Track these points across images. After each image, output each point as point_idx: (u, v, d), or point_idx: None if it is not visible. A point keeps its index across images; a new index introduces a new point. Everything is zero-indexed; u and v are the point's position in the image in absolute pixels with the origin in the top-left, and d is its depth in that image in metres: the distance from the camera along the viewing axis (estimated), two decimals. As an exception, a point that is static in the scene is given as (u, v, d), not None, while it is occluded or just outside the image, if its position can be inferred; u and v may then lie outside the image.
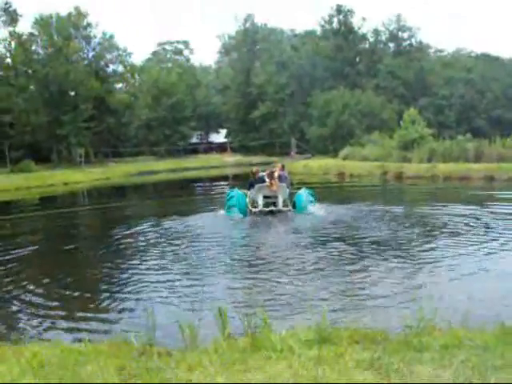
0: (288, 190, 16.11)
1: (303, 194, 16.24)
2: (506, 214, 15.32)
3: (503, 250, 10.28)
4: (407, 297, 7.32)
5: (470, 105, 72.70)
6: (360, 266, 9.37)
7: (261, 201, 15.74)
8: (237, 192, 15.88)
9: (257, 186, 15.76)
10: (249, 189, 16.02)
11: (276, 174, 16.09)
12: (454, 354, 4.09)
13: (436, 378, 3.64)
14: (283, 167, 17.02)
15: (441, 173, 28.50)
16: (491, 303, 6.87)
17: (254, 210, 15.62)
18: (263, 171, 16.89)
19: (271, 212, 15.59)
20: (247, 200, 15.82)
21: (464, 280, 8.21)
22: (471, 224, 13.58)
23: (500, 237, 11.58)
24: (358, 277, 8.59)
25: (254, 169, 16.99)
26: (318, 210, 15.79)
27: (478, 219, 14.42)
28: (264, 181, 15.92)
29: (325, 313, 4.85)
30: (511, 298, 7.10)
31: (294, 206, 15.96)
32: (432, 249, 10.91)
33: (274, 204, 15.84)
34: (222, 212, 16.11)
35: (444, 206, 17.63)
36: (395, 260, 9.77)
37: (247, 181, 16.50)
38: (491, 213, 15.52)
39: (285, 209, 15.79)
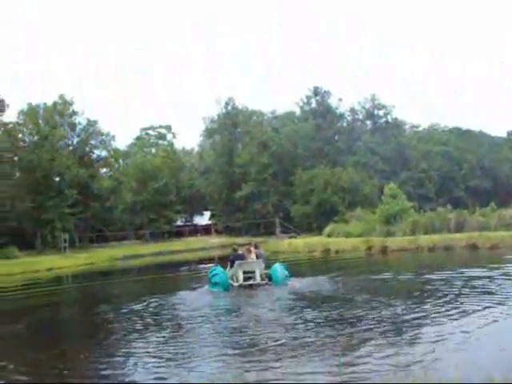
0: (263, 265, 17.61)
1: (277, 267, 17.65)
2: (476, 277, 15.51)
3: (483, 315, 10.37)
4: (395, 364, 7.32)
5: (448, 176, 74.69)
6: (349, 341, 9.34)
7: (241, 276, 17.14)
8: (219, 269, 17.28)
9: (237, 262, 17.36)
10: (230, 265, 17.57)
11: (252, 249, 18.11)
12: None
13: None
14: (256, 246, 19.05)
15: (425, 244, 28.82)
16: (483, 367, 6.90)
17: (235, 284, 16.99)
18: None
19: (250, 286, 16.88)
20: (229, 275, 17.20)
21: (454, 347, 8.24)
22: (454, 291, 13.73)
23: (479, 302, 11.70)
24: (348, 353, 8.54)
25: (235, 247, 19.35)
26: (293, 282, 17.25)
27: (459, 286, 14.65)
28: (243, 257, 17.70)
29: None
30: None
31: (270, 279, 17.26)
32: (416, 319, 10.95)
33: (253, 278, 17.17)
34: (206, 288, 17.23)
35: (426, 272, 17.93)
36: (378, 329, 9.78)
37: (228, 258, 18.11)
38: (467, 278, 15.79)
39: (262, 282, 17.09)
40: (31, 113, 58.12)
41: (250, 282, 17.06)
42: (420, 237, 30.27)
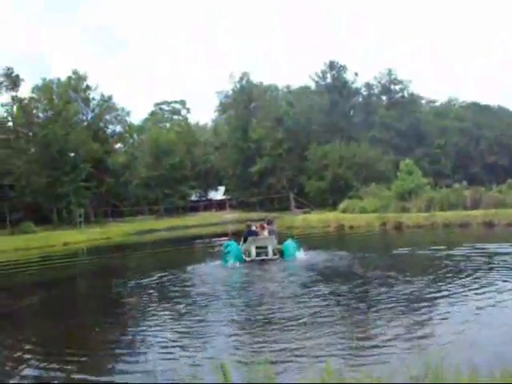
0: (276, 241, 18.24)
1: (289, 243, 18.26)
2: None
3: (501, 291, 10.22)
4: (411, 345, 7.24)
5: (464, 153, 73.68)
6: (360, 316, 9.32)
7: (254, 251, 17.81)
8: (233, 244, 17.85)
9: (250, 238, 18.09)
10: (243, 241, 18.32)
11: (265, 225, 18.82)
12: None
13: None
14: (270, 222, 19.88)
15: (440, 221, 28.52)
16: (496, 347, 6.80)
17: (247, 258, 17.67)
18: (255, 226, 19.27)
19: (263, 260, 17.48)
20: (242, 250, 17.87)
21: (469, 326, 8.12)
22: (473, 267, 13.59)
23: (498, 278, 11.56)
24: (359, 327, 8.51)
25: (248, 223, 19.82)
26: (305, 257, 17.68)
27: (479, 262, 14.50)
28: (256, 233, 18.39)
29: (328, 367, 4.79)
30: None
31: (281, 255, 17.84)
32: (431, 294, 10.86)
33: (265, 253, 17.78)
34: (220, 262, 17.64)
35: (444, 249, 17.78)
36: (394, 308, 9.70)
37: (242, 234, 18.92)
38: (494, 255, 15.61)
39: (274, 257, 17.74)
40: (45, 88, 58.19)
41: (263, 257, 17.65)
42: (435, 213, 29.95)
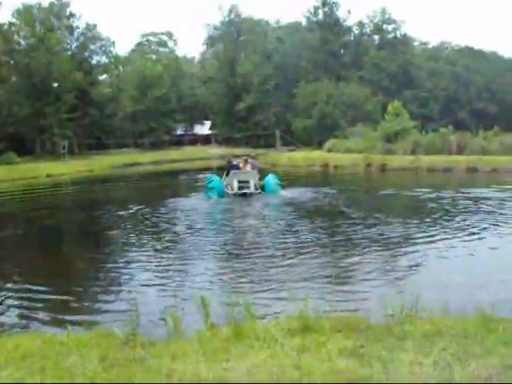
0: (258, 176, 18.70)
1: (270, 178, 18.68)
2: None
3: (482, 236, 10.43)
4: (388, 283, 7.40)
5: (453, 98, 73.29)
6: (340, 250, 9.51)
7: (236, 184, 18.14)
8: (215, 178, 18.30)
9: (232, 172, 18.42)
10: (226, 175, 18.67)
11: (249, 160, 19.25)
12: (435, 342, 4.13)
13: (417, 365, 3.68)
14: (252, 157, 20.32)
15: (424, 165, 28.68)
16: (469, 291, 6.97)
17: (230, 192, 18.01)
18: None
19: (244, 194, 17.85)
20: (224, 184, 18.21)
21: (445, 266, 8.30)
22: (456, 211, 13.81)
23: (481, 222, 11.77)
24: (338, 263, 8.68)
25: (229, 158, 20.28)
26: (285, 192, 18.23)
27: (462, 206, 14.74)
28: (238, 168, 18.80)
29: (307, 302, 4.87)
30: (490, 285, 7.19)
31: (263, 189, 18.32)
32: (407, 233, 11.06)
33: (247, 188, 18.13)
34: (202, 195, 18.26)
35: (427, 192, 18.05)
36: (372, 246, 9.88)
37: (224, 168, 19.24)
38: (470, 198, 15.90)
39: (256, 191, 18.14)
40: (26, 14, 55.80)
41: (245, 190, 18.01)
42: (420, 157, 30.06)
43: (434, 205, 15.24)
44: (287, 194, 18.16)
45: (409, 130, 35.74)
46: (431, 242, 10.24)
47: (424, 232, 11.23)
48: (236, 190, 18.08)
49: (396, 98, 46.75)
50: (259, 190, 18.25)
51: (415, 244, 10.17)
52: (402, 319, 4.82)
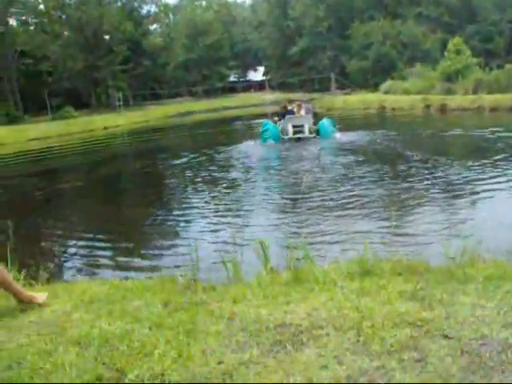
0: (312, 120, 18.72)
1: (325, 122, 18.58)
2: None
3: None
4: (450, 227, 7.24)
5: (521, 30, 68.90)
6: (399, 194, 9.33)
7: (291, 129, 18.22)
8: (270, 123, 18.57)
9: (287, 117, 18.39)
10: (280, 119, 18.75)
11: (302, 105, 19.16)
12: (499, 286, 4.03)
13: (480, 309, 3.61)
14: (306, 102, 20.38)
15: (487, 104, 27.38)
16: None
17: (285, 137, 18.20)
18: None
19: (299, 139, 18.01)
20: (279, 129, 18.33)
21: (509, 210, 8.03)
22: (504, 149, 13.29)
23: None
24: (397, 208, 8.54)
25: (284, 103, 20.28)
26: (340, 135, 18.20)
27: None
28: (293, 112, 18.65)
29: (366, 246, 4.84)
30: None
31: (317, 133, 18.22)
32: (469, 176, 10.71)
33: (302, 132, 18.24)
34: (258, 141, 18.40)
35: (490, 132, 17.33)
36: (433, 190, 9.64)
37: (279, 113, 19.28)
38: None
39: (311, 135, 18.20)
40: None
41: (299, 135, 18.14)
42: (483, 96, 28.68)
43: (498, 145, 14.64)
44: (342, 137, 18.09)
45: (471, 68, 34.09)
46: (495, 183, 9.89)
47: (487, 173, 10.84)
48: (291, 134, 18.18)
49: (457, 34, 44.53)
50: (314, 134, 18.24)
51: (478, 186, 9.85)
52: (464, 262, 4.72)
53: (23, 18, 55.48)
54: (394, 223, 7.43)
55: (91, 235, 8.52)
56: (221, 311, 3.85)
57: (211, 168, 14.25)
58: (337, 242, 6.85)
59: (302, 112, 18.77)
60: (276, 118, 19.18)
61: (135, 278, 5.42)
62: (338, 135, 18.21)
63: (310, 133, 18.28)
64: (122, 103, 52.23)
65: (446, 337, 3.08)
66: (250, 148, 17.83)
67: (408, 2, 64.55)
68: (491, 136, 16.59)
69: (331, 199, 9.42)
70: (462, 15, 63.94)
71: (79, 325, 3.69)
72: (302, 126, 18.29)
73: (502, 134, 16.58)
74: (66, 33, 55.47)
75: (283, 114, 18.81)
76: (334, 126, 18.70)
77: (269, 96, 60.82)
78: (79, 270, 6.85)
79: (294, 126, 18.31)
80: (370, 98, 37.31)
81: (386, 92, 39.02)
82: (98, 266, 7.00)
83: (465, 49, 35.91)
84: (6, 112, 43.21)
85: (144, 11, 65.69)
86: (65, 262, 7.45)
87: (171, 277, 5.15)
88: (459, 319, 3.45)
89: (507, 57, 56.64)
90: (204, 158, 16.34)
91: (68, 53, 52.00)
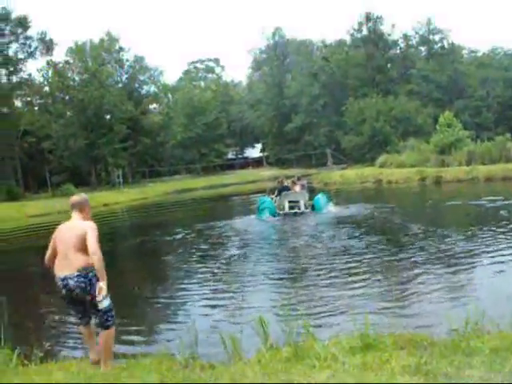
0: (307, 195, 19.25)
1: (320, 197, 19.29)
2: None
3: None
4: (451, 298, 7.14)
5: (508, 104, 70.98)
6: (397, 268, 9.26)
7: (287, 205, 18.69)
8: (267, 199, 19.26)
9: (283, 193, 19.01)
10: (277, 195, 19.28)
11: (296, 181, 19.75)
12: (506, 358, 3.93)
13: (487, 382, 3.50)
14: (299, 178, 20.83)
15: (481, 175, 27.79)
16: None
17: (281, 212, 18.60)
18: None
19: (295, 214, 18.40)
20: (275, 204, 18.87)
21: (508, 280, 7.95)
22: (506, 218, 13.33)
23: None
24: (397, 279, 8.45)
25: (280, 179, 20.96)
26: (335, 209, 18.78)
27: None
28: (289, 189, 19.29)
29: (367, 319, 4.76)
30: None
31: (313, 208, 18.79)
32: (470, 246, 10.69)
33: (298, 207, 18.66)
34: (255, 216, 18.88)
35: (486, 202, 17.48)
36: (433, 261, 9.58)
37: (275, 189, 19.86)
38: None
39: (306, 210, 18.63)
40: (79, 51, 58.47)
41: (295, 210, 18.60)
42: (476, 167, 29.17)
43: (496, 215, 14.71)
44: (338, 210, 18.63)
45: (463, 141, 34.84)
46: (494, 253, 9.85)
47: (487, 244, 10.82)
48: (287, 209, 18.63)
49: (447, 108, 45.81)
50: (309, 210, 18.77)
51: (477, 256, 9.81)
52: (468, 334, 4.63)
53: (28, 99, 57.33)
54: (394, 295, 7.33)
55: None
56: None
57: (211, 242, 14.31)
58: (337, 316, 6.73)
59: (297, 188, 19.33)
60: (273, 195, 19.70)
61: (131, 355, 5.27)
62: (332, 209, 18.71)
63: (306, 208, 18.72)
64: (121, 180, 52.86)
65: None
66: (248, 223, 18.03)
67: (399, 79, 66.94)
68: (491, 205, 16.71)
69: (329, 274, 9.33)
70: (451, 91, 66.14)
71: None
72: (298, 201, 18.80)
73: (502, 203, 16.71)
74: (68, 113, 57.02)
75: (279, 189, 19.36)
76: (329, 201, 19.29)
77: (267, 172, 61.71)
78: (74, 348, 6.66)
79: (290, 202, 18.80)
80: (367, 172, 37.81)
81: (382, 166, 39.59)
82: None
83: (455, 122, 36.80)
84: (7, 190, 43.45)
85: (144, 91, 67.80)
86: (60, 339, 7.26)
87: (168, 354, 5.03)
88: (467, 394, 3.35)
89: (496, 129, 58.08)
90: (204, 232, 16.40)
91: (70, 132, 53.25)
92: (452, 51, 70.86)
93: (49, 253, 5.10)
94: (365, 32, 69.30)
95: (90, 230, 4.91)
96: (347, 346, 4.46)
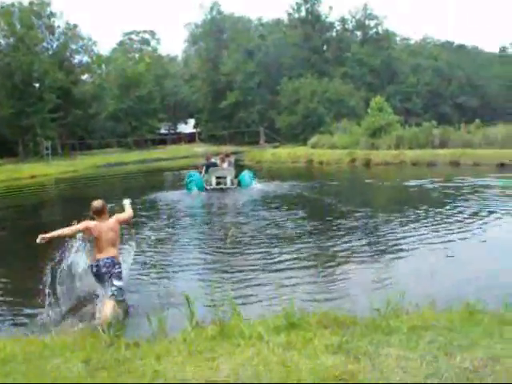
0: (234, 172, 20.22)
1: (245, 174, 20.33)
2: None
3: (468, 232, 10.45)
4: (376, 279, 7.39)
5: (436, 92, 73.79)
6: (323, 250, 9.46)
7: (214, 180, 19.70)
8: (195, 174, 19.88)
9: (210, 168, 19.92)
10: (205, 171, 20.04)
11: (225, 158, 20.64)
12: (421, 336, 4.13)
13: (404, 360, 3.66)
14: (228, 155, 21.50)
15: (408, 159, 28.82)
16: (457, 284, 6.99)
17: (208, 187, 19.53)
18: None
19: (221, 189, 19.42)
20: (203, 180, 19.71)
21: (430, 261, 8.31)
22: (436, 203, 13.90)
23: (464, 217, 11.81)
24: (324, 260, 8.66)
25: (207, 155, 22.40)
26: (259, 185, 19.80)
27: (442, 198, 14.86)
28: (216, 165, 20.28)
29: (293, 299, 4.85)
30: (476, 279, 7.21)
31: (238, 184, 19.79)
32: (397, 227, 11.08)
33: (224, 183, 19.69)
34: (184, 190, 19.54)
35: (414, 185, 18.25)
36: (359, 242, 9.86)
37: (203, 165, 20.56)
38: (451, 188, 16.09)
39: (232, 186, 19.66)
40: (5, 13, 55.15)
41: (222, 186, 19.61)
42: (404, 151, 30.23)
43: (419, 197, 15.35)
44: (262, 187, 19.74)
45: (393, 125, 35.91)
46: (417, 232, 10.28)
47: (410, 224, 11.26)
48: (214, 185, 19.65)
49: (379, 93, 46.98)
50: (235, 185, 19.74)
51: (401, 236, 10.18)
52: (388, 314, 4.81)
53: None
54: (320, 275, 7.51)
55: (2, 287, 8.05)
56: (144, 369, 3.71)
57: (141, 213, 14.11)
58: (263, 294, 6.81)
59: (225, 165, 20.33)
60: (200, 170, 20.48)
61: (55, 332, 5.14)
62: (257, 185, 19.79)
63: (232, 184, 19.76)
64: (50, 152, 50.84)
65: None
66: (176, 196, 18.81)
67: (334, 61, 67.88)
68: (412, 188, 17.42)
69: (256, 251, 9.42)
70: (384, 76, 67.92)
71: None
72: (225, 177, 19.83)
73: (420, 187, 17.46)
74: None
75: (207, 165, 20.23)
76: (254, 178, 20.31)
77: (199, 148, 61.24)
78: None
79: (217, 178, 19.83)
80: (299, 152, 38.28)
81: (314, 146, 40.18)
82: (13, 321, 6.58)
83: (386, 106, 37.83)
84: None
85: (76, 60, 65.14)
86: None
87: (93, 332, 4.93)
88: (384, 371, 3.48)
89: (424, 116, 60.27)
90: (134, 205, 16.18)
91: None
92: (386, 37, 72.56)
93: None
94: (303, 13, 69.60)
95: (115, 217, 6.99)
96: (272, 325, 4.54)
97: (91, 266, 6.63)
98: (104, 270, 6.47)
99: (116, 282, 6.40)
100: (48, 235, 6.24)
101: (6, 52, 52.47)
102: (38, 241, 6.11)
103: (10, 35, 53.94)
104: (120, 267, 6.67)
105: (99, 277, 6.54)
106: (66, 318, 6.49)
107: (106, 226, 6.71)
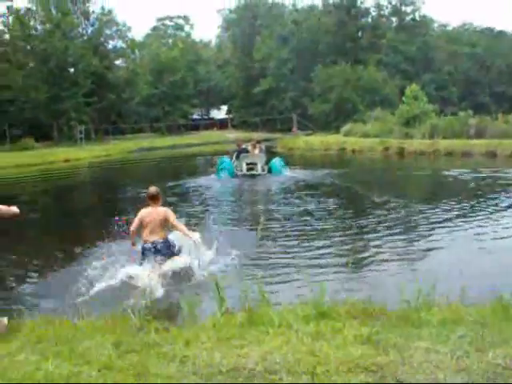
0: (265, 159, 20.36)
1: (276, 160, 20.45)
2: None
3: (503, 224, 10.24)
4: (407, 269, 7.32)
5: (473, 80, 72.04)
6: (355, 237, 9.40)
7: (245, 166, 19.86)
8: (226, 159, 20.22)
9: (241, 155, 20.10)
10: (236, 158, 20.31)
11: (256, 145, 20.74)
12: (452, 330, 4.06)
13: (434, 353, 3.62)
14: (259, 142, 21.77)
15: (443, 148, 28.32)
16: (489, 278, 6.86)
17: (239, 173, 19.77)
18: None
19: (252, 175, 19.54)
20: (234, 165, 19.98)
21: (463, 253, 8.18)
22: (471, 194, 13.66)
23: (500, 209, 11.58)
24: (355, 247, 8.60)
25: (239, 142, 22.68)
26: (290, 173, 19.94)
27: (478, 189, 14.59)
28: (247, 151, 20.38)
29: (323, 287, 4.83)
30: (509, 273, 7.07)
31: (269, 171, 19.95)
32: (430, 217, 10.92)
33: (255, 169, 19.82)
34: (215, 175, 19.94)
35: (448, 174, 17.96)
36: (391, 231, 9.76)
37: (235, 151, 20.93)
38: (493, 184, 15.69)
39: (263, 173, 19.82)
40: (42, -1, 55.93)
41: (253, 172, 19.76)
42: (438, 141, 29.69)
43: (454, 187, 15.09)
44: (293, 174, 19.82)
45: (427, 114, 35.31)
46: (450, 223, 10.12)
47: (443, 215, 11.09)
48: (245, 171, 19.79)
49: (414, 81, 46.16)
50: (265, 172, 19.92)
51: (434, 227, 10.04)
52: (419, 306, 4.76)
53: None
54: (349, 264, 7.45)
55: (38, 268, 8.23)
56: (173, 353, 3.74)
57: (169, 200, 14.20)
58: (293, 283, 6.81)
59: (256, 151, 20.41)
60: (231, 156, 20.78)
61: (87, 314, 5.23)
62: (287, 172, 19.88)
63: (263, 170, 19.92)
64: (83, 136, 51.62)
65: (400, 383, 3.07)
66: (207, 182, 19.08)
67: (369, 48, 66.80)
68: (447, 178, 17.12)
69: (286, 237, 9.42)
70: (419, 64, 66.57)
71: (22, 366, 3.52)
72: (256, 163, 19.94)
73: (456, 178, 17.13)
74: (30, 63, 54.91)
75: (238, 152, 20.45)
76: (285, 165, 20.36)
77: (231, 134, 61.34)
78: (26, 308, 6.55)
79: (247, 164, 19.95)
80: (331, 140, 38.02)
81: (347, 134, 39.86)
82: (48, 303, 6.73)
83: (421, 95, 37.18)
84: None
85: (110, 46, 65.77)
86: (10, 298, 7.14)
87: (124, 316, 5.00)
88: (413, 364, 3.45)
89: (460, 104, 59.01)
90: (165, 191, 16.34)
91: (31, 83, 51.37)
92: (423, 24, 71.06)
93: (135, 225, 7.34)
94: (337, -2, 68.63)
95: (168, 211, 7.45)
96: (301, 314, 4.53)
97: (144, 246, 7.24)
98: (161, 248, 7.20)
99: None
100: (132, 243, 7.49)
101: (42, 38, 53.19)
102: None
103: (47, 21, 54.63)
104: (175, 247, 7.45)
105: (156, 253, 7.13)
106: (97, 301, 6.60)
107: (156, 212, 7.28)
